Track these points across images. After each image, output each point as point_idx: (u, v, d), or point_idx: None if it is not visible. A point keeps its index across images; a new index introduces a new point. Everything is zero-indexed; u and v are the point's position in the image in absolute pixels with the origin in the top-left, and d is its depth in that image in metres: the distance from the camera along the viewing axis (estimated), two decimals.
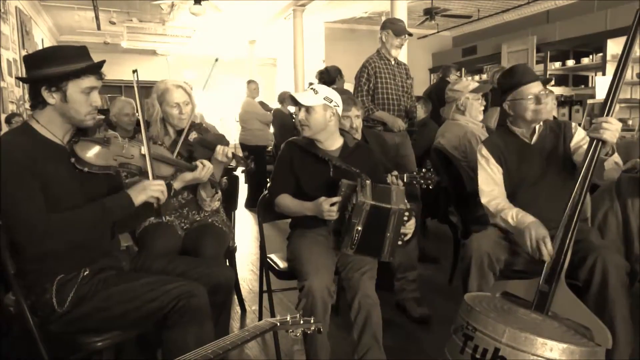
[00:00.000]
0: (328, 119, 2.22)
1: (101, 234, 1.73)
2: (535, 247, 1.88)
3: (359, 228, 2.01)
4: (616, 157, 1.95)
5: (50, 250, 1.56)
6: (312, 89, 2.21)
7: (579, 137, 2.18)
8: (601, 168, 1.89)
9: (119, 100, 3.86)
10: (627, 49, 1.78)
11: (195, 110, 2.43)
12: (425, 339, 2.58)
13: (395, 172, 2.53)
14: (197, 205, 2.38)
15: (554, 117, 2.34)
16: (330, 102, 2.20)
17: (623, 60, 1.78)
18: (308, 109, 2.18)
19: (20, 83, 6.40)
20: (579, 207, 1.76)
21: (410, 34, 3.80)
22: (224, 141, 2.33)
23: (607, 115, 1.77)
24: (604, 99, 1.81)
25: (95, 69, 1.64)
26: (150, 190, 1.71)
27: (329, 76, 5.10)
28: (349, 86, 8.16)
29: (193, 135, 2.32)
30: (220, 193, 2.39)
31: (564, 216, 1.78)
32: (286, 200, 2.25)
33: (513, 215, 2.10)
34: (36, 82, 1.59)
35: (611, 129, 1.75)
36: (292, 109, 6.99)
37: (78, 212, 1.60)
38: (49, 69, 1.58)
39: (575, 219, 1.76)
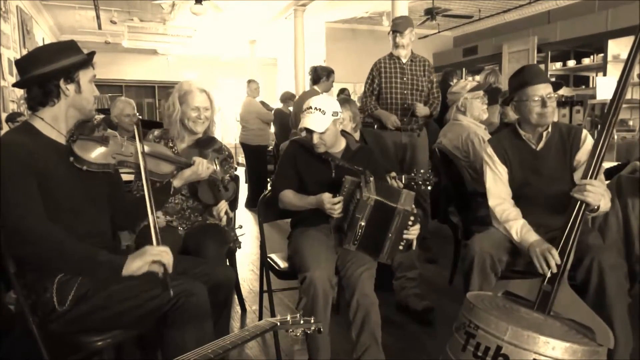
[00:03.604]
0: (338, 129, 2.26)
1: (115, 214, 1.80)
2: (543, 262, 1.85)
3: (363, 223, 2.02)
4: (604, 205, 1.90)
5: (31, 259, 1.55)
6: (317, 109, 2.16)
7: (585, 150, 2.10)
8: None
9: (119, 101, 3.85)
10: (633, 55, 1.76)
11: (215, 114, 2.41)
12: (425, 338, 2.57)
13: (393, 174, 2.53)
14: (200, 209, 2.37)
15: (556, 121, 2.31)
16: (337, 115, 2.21)
17: (629, 66, 1.76)
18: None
19: None
20: (577, 224, 1.77)
21: (398, 31, 3.75)
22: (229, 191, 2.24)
23: (592, 176, 1.78)
24: (607, 100, 1.80)
25: (92, 59, 1.71)
26: (148, 255, 1.58)
27: (315, 75, 5.11)
28: (338, 86, 8.16)
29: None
30: (230, 213, 2.35)
31: (566, 219, 1.78)
32: (289, 195, 2.26)
33: (517, 230, 2.07)
34: (50, 77, 1.60)
35: (595, 192, 1.76)
36: (291, 108, 7.02)
37: (73, 246, 1.56)
38: (65, 60, 1.61)
39: (578, 222, 1.77)
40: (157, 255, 1.58)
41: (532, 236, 2.01)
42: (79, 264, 1.58)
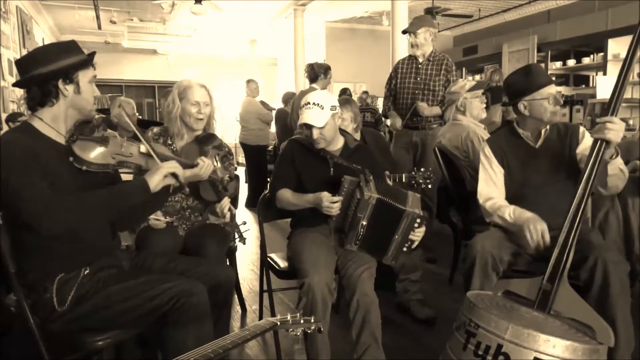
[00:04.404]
0: (337, 124, 2.26)
1: (115, 217, 1.73)
2: (538, 239, 1.90)
3: (364, 223, 2.03)
4: (620, 163, 1.93)
5: (65, 229, 1.54)
6: (315, 104, 2.16)
7: (586, 145, 2.11)
8: (604, 172, 1.88)
9: (119, 100, 3.87)
10: (633, 49, 1.76)
11: (215, 112, 2.41)
12: (425, 338, 2.57)
13: (387, 172, 2.53)
14: (199, 209, 2.37)
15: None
16: (335, 110, 2.21)
17: (628, 61, 1.76)
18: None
19: None
20: (582, 207, 1.75)
21: (410, 32, 3.80)
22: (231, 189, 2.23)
23: (611, 114, 1.76)
24: (608, 99, 1.80)
25: (92, 59, 1.71)
26: (164, 168, 1.70)
27: (312, 73, 5.08)
28: (338, 86, 8.15)
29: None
30: (233, 209, 2.32)
31: (567, 215, 1.78)
32: (286, 194, 2.27)
33: (510, 212, 2.10)
34: (49, 78, 1.60)
35: (615, 129, 1.73)
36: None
37: (93, 193, 1.60)
38: (64, 61, 1.61)
39: (578, 219, 1.76)
40: (171, 168, 1.70)
41: (526, 214, 2.04)
42: (114, 205, 1.63)
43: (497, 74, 5.11)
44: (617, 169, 1.92)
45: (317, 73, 4.96)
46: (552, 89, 2.15)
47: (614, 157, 1.85)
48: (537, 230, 1.93)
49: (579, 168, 2.10)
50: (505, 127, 2.37)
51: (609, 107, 1.78)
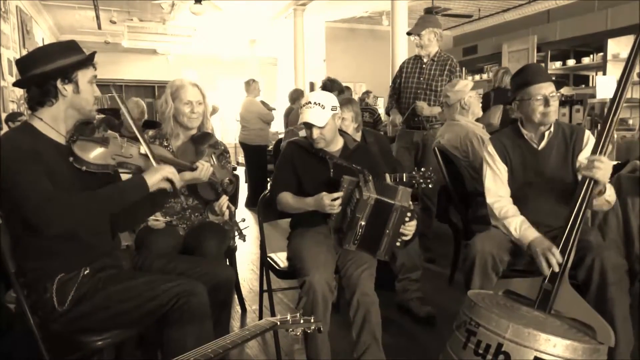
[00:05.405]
0: (337, 125, 2.26)
1: (115, 212, 1.73)
2: (544, 262, 1.82)
3: (363, 223, 2.03)
4: (609, 195, 1.92)
5: (68, 228, 1.55)
6: (316, 103, 2.16)
7: (587, 154, 2.04)
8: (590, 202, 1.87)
9: (129, 101, 3.94)
10: (634, 53, 1.76)
11: (209, 110, 2.41)
12: (425, 337, 2.57)
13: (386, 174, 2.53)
14: (200, 208, 2.37)
15: (558, 120, 2.29)
16: (336, 110, 2.21)
17: (629, 65, 1.75)
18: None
19: None
20: (582, 211, 1.76)
21: (413, 33, 3.83)
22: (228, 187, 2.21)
23: (600, 154, 1.77)
24: (607, 99, 1.80)
25: (92, 59, 1.70)
26: (164, 170, 1.72)
27: (340, 88, 5.01)
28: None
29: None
30: (232, 207, 2.32)
31: (567, 217, 1.78)
32: (287, 197, 2.27)
33: (517, 227, 2.06)
34: (48, 77, 1.60)
35: (602, 169, 1.75)
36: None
37: (92, 193, 1.61)
38: (63, 60, 1.61)
39: (579, 220, 1.76)
40: (171, 173, 1.74)
41: (531, 233, 2.00)
42: (114, 203, 1.65)
43: (508, 75, 5.09)
44: (604, 201, 1.93)
45: (343, 90, 4.95)
46: (543, 89, 2.08)
47: (602, 192, 1.86)
48: (539, 254, 1.85)
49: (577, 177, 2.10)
50: (509, 126, 2.35)
51: (598, 144, 1.79)
